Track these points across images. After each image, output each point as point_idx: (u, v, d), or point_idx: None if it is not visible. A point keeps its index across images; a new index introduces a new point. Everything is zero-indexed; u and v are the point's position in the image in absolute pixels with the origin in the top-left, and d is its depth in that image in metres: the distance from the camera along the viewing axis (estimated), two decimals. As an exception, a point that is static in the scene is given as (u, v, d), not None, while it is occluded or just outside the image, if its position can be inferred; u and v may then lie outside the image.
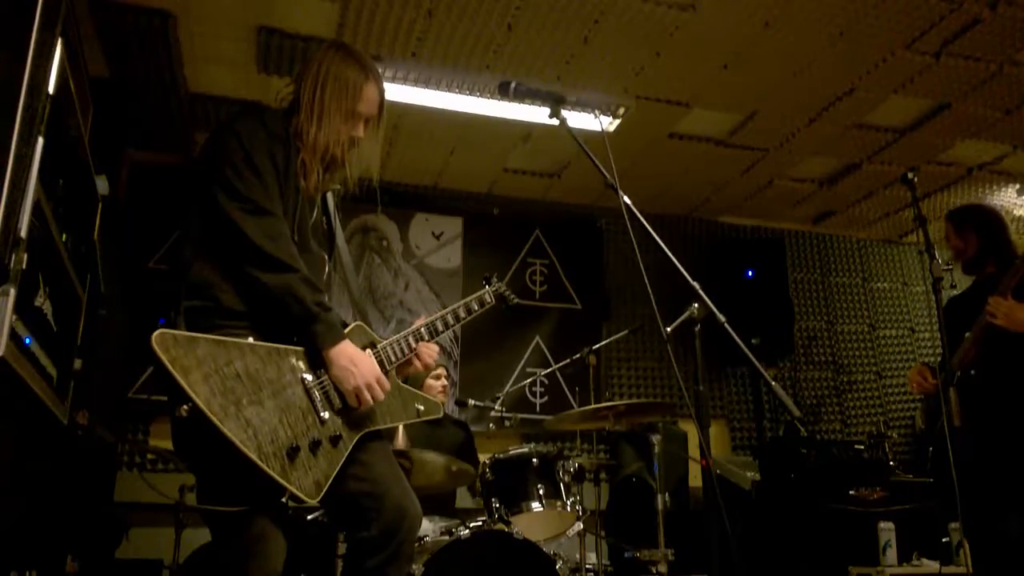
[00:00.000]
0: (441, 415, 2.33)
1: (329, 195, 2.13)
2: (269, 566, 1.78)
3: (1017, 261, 2.95)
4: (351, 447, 1.85)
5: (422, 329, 2.09)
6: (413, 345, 2.06)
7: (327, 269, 2.05)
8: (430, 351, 2.11)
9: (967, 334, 3.01)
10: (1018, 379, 2.91)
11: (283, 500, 1.77)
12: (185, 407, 1.60)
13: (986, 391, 2.94)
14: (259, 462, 1.64)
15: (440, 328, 2.12)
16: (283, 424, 1.71)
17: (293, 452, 1.70)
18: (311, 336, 1.80)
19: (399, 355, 2.03)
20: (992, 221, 3.23)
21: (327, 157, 1.98)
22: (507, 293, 2.39)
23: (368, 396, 1.84)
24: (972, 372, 3.00)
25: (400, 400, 2.02)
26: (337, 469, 1.79)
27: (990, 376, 2.96)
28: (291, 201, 1.90)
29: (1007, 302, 2.89)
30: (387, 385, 1.90)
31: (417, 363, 2.09)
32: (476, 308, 2.25)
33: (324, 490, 1.75)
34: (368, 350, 1.95)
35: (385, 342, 2.02)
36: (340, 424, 1.83)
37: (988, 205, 3.48)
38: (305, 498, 1.71)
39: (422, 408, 2.08)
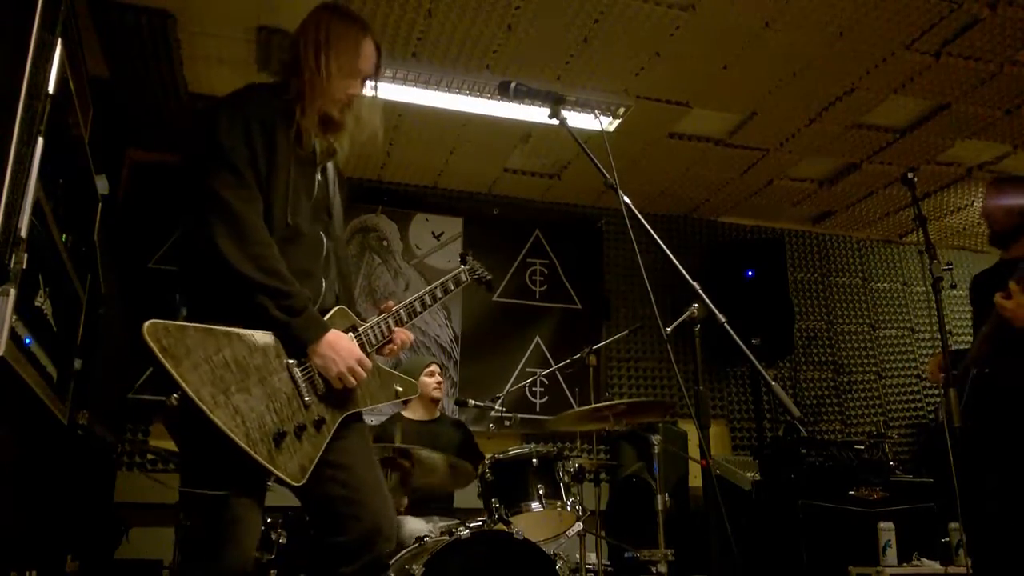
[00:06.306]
0: (417, 393, 2.35)
1: (330, 166, 2.12)
2: (243, 548, 1.79)
3: None
4: (334, 429, 1.89)
5: (401, 311, 2.11)
6: (393, 327, 2.09)
7: (325, 249, 2.04)
8: (406, 334, 2.14)
9: (983, 328, 2.98)
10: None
11: (269, 483, 1.80)
12: (175, 395, 1.64)
13: (997, 389, 2.91)
14: (247, 448, 1.68)
15: (418, 308, 2.15)
16: (270, 410, 1.75)
17: (279, 437, 1.75)
18: (290, 339, 1.83)
19: (379, 338, 2.06)
20: None
21: (327, 119, 1.99)
22: (482, 272, 2.42)
23: (351, 379, 1.89)
24: (986, 371, 2.97)
25: (379, 381, 2.06)
26: (321, 452, 1.83)
27: (1001, 374, 2.94)
28: (282, 182, 1.89)
29: (1019, 298, 2.80)
30: (368, 365, 1.94)
31: (392, 345, 2.11)
32: (452, 287, 2.28)
33: (308, 473, 1.79)
34: (350, 333, 1.98)
35: (366, 325, 2.04)
36: (323, 408, 1.88)
37: None
38: (290, 481, 1.76)
39: (400, 389, 2.12)
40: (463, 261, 2.39)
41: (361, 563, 1.87)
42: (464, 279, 2.33)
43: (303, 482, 1.77)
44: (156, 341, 1.63)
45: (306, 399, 1.83)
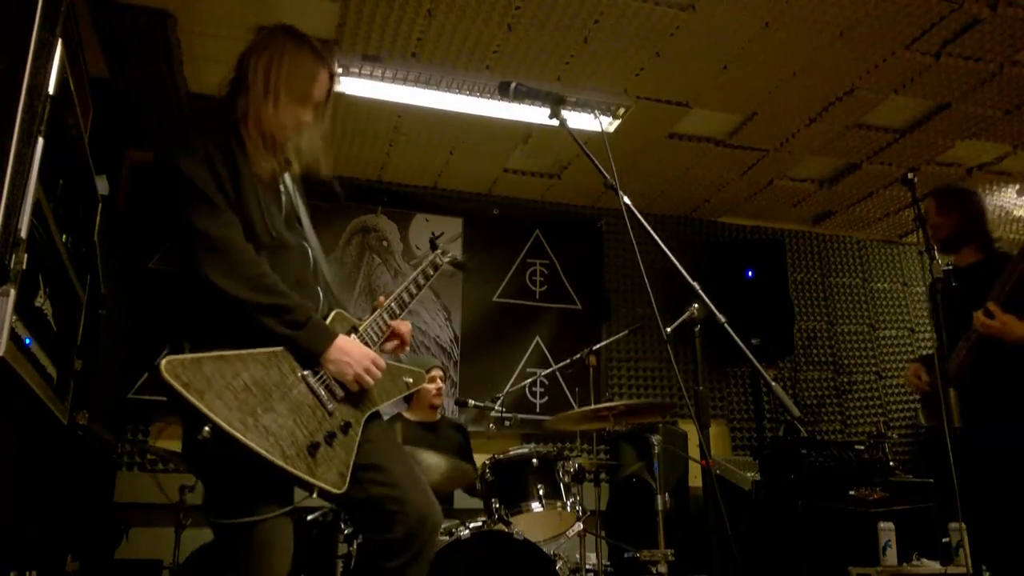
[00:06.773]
0: (424, 382, 2.38)
1: (287, 177, 2.09)
2: (276, 572, 1.80)
3: (1009, 266, 2.88)
4: (360, 431, 1.91)
5: (392, 304, 2.13)
6: (389, 322, 2.10)
7: (311, 257, 2.04)
8: (406, 326, 2.16)
9: (960, 343, 2.98)
10: (1015, 384, 2.89)
11: (312, 496, 1.80)
12: (207, 428, 1.63)
13: (984, 398, 2.91)
14: (286, 466, 1.69)
15: (407, 299, 2.16)
16: (298, 424, 1.77)
17: (313, 449, 1.76)
18: (299, 351, 1.84)
19: (380, 333, 2.08)
20: (973, 203, 3.21)
21: (271, 141, 1.95)
22: (453, 255, 2.41)
23: (368, 379, 1.91)
24: (968, 382, 2.97)
25: (390, 376, 2.08)
26: (354, 455, 1.85)
27: (986, 382, 2.93)
28: (252, 199, 1.87)
29: (1002, 317, 2.83)
30: (382, 363, 1.96)
31: (396, 340, 2.13)
32: (432, 272, 2.28)
33: (348, 479, 1.81)
34: (352, 334, 1.99)
35: (364, 324, 2.05)
36: (346, 411, 1.90)
37: (969, 188, 3.45)
38: (333, 490, 1.77)
39: (410, 380, 2.15)
40: (433, 247, 2.38)
41: (406, 557, 1.89)
42: (440, 263, 2.32)
43: (344, 489, 1.79)
44: (176, 378, 1.62)
45: (329, 407, 1.85)
